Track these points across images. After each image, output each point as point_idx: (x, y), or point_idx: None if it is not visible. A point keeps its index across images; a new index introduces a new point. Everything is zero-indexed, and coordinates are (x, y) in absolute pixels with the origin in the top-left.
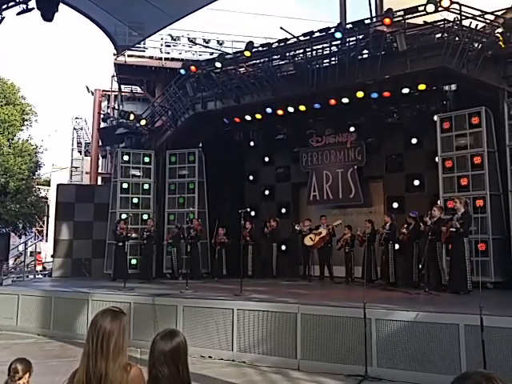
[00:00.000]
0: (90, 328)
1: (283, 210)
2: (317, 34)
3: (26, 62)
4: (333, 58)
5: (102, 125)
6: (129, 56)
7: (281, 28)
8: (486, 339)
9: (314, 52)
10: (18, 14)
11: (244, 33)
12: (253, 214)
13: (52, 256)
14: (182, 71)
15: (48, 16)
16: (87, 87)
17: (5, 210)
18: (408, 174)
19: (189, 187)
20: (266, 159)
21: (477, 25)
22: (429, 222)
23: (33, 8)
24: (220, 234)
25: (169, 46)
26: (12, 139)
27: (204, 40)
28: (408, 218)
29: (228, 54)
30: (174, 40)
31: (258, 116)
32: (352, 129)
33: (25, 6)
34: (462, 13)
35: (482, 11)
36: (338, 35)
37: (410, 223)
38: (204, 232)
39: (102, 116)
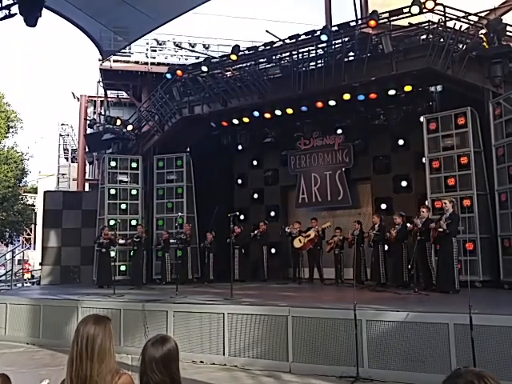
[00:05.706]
0: (74, 335)
1: (272, 213)
2: (303, 37)
3: (11, 69)
4: (319, 61)
5: (89, 131)
6: (114, 61)
7: (266, 31)
8: (475, 337)
9: (301, 55)
10: (1, 19)
11: (230, 36)
12: (242, 217)
13: (40, 264)
14: (168, 76)
15: (31, 21)
16: (73, 93)
17: None
18: (395, 175)
19: (177, 192)
20: (255, 163)
21: (461, 26)
22: (419, 224)
23: (15, 13)
24: (208, 239)
25: (154, 50)
26: None
27: (190, 44)
28: (398, 217)
29: (214, 57)
30: (160, 44)
31: (246, 119)
32: (339, 131)
33: (7, 12)
34: (447, 14)
35: (465, 12)
36: (324, 38)
37: (398, 223)
38: (193, 237)
39: (88, 122)
